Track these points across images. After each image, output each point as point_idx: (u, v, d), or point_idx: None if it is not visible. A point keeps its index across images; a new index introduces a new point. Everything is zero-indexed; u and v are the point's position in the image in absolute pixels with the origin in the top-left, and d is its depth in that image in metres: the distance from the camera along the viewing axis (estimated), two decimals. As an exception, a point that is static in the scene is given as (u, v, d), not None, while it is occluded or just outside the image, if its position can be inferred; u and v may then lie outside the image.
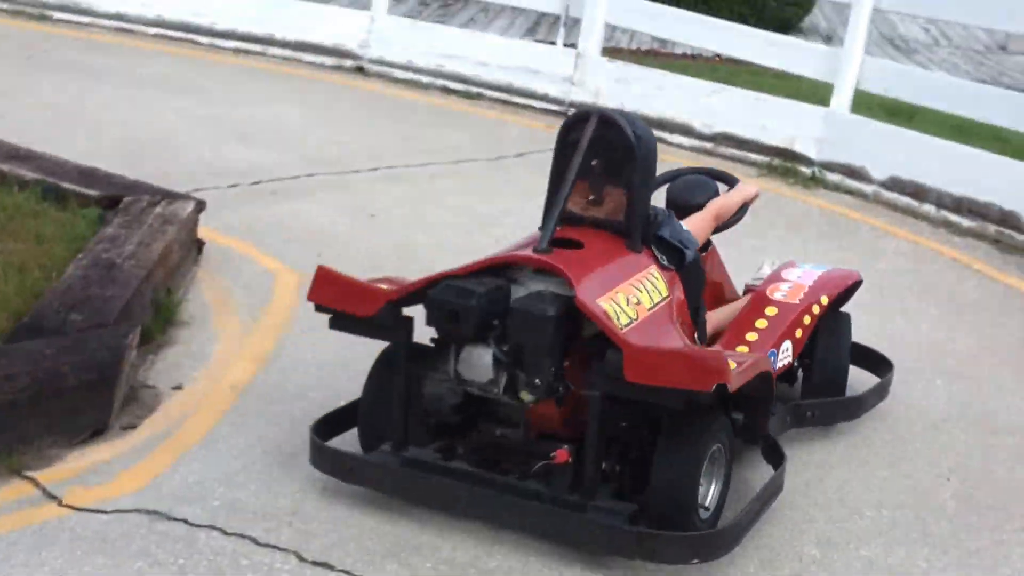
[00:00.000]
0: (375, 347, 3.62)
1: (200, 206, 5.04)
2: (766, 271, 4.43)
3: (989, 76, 12.87)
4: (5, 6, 9.51)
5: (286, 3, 9.78)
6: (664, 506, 3.26)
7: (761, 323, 4.07)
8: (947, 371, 4.77)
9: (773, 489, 3.55)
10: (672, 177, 4.46)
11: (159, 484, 3.40)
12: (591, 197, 3.68)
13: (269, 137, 7.08)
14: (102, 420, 3.58)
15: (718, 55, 10.19)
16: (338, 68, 9.18)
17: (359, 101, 8.19)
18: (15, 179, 5.05)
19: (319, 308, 3.55)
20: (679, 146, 7.99)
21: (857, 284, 4.44)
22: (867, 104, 8.09)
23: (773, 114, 7.76)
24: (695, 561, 3.21)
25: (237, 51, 9.41)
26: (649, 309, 3.53)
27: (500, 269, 3.39)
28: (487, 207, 6.26)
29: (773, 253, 5.95)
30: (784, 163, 7.60)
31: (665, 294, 3.64)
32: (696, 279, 3.89)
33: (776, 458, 3.66)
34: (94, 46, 9.05)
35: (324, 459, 3.48)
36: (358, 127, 7.52)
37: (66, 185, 4.98)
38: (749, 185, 4.52)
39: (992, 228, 6.67)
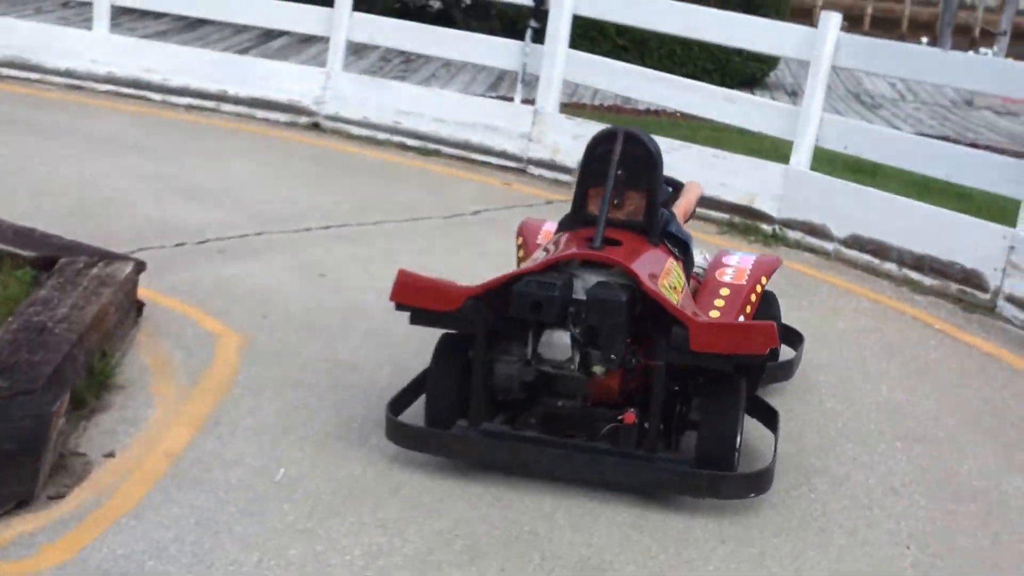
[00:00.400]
0: (318, 408, 3.62)
1: (140, 267, 4.89)
2: (701, 260, 4.89)
3: (954, 131, 12.90)
4: (-50, 64, 9.37)
5: (240, 60, 9.72)
6: (714, 451, 3.92)
7: (719, 302, 4.64)
8: (907, 434, 4.64)
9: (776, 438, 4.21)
10: None
11: (85, 557, 3.24)
12: (615, 202, 4.25)
13: (218, 195, 6.93)
14: (26, 491, 3.41)
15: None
16: (292, 125, 9.07)
17: (312, 158, 8.06)
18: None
19: (399, 307, 4.14)
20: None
21: (779, 267, 5.11)
22: (830, 160, 8.03)
23: (733, 171, 7.68)
24: (752, 495, 3.90)
25: (190, 108, 9.29)
26: (680, 292, 4.22)
27: (556, 265, 4.02)
28: (442, 265, 6.10)
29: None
30: (745, 221, 7.51)
31: (684, 280, 4.34)
32: (689, 267, 4.57)
33: (769, 414, 4.34)
34: (42, 103, 8.91)
35: (406, 435, 4.00)
36: (310, 184, 7.39)
37: (0, 246, 4.82)
38: (694, 184, 5.07)
39: (954, 287, 6.57)
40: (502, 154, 8.52)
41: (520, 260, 4.92)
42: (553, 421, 4.11)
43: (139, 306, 4.91)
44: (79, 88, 9.51)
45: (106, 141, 7.89)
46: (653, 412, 3.94)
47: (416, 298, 4.11)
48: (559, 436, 4.03)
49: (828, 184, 7.36)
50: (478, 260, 6.08)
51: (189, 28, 13.14)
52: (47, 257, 4.77)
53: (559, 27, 8.31)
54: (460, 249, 6.44)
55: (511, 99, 9.21)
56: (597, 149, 4.33)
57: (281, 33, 11.72)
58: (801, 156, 7.42)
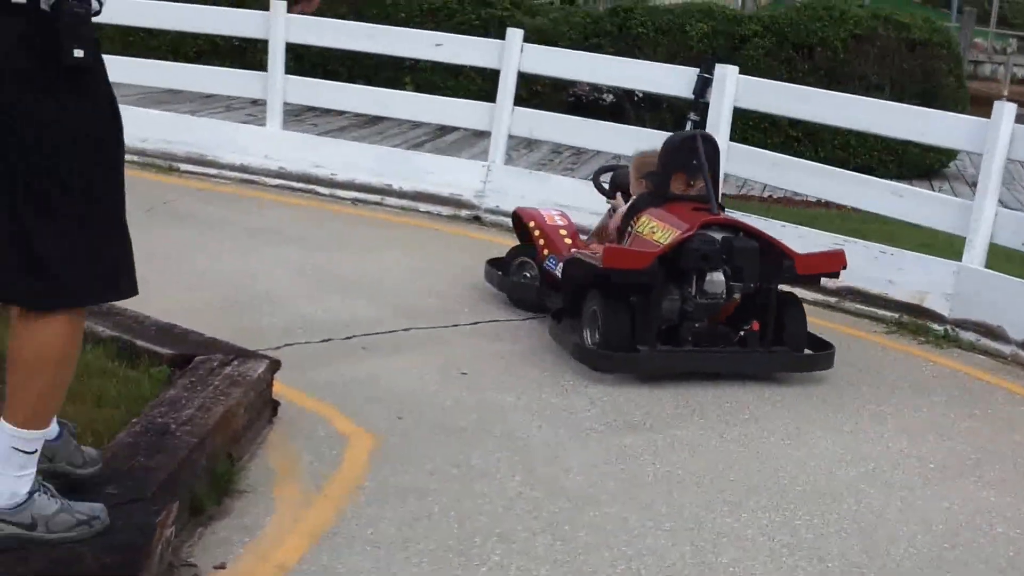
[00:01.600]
0: (442, 519, 3.42)
1: (275, 366, 4.85)
2: None
3: None
4: (136, 159, 9.65)
5: (405, 154, 9.81)
6: (799, 342, 5.95)
7: None
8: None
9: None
10: (612, 168, 7.12)
11: (185, 675, 3.15)
12: (691, 183, 6.12)
13: (370, 289, 6.92)
14: (130, 605, 3.33)
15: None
16: (454, 218, 9.08)
17: (468, 251, 8.00)
18: (91, 336, 4.93)
19: (606, 269, 5.56)
20: (802, 300, 7.61)
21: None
22: (1008, 258, 7.61)
23: (902, 268, 7.34)
24: (830, 367, 5.96)
25: (356, 201, 9.39)
26: None
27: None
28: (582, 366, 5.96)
29: (896, 420, 5.58)
30: (914, 320, 7.14)
31: None
32: None
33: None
34: (215, 197, 9.11)
35: (601, 359, 5.69)
36: (463, 278, 7.31)
37: (140, 343, 4.84)
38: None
39: None
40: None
41: (538, 239, 6.64)
42: (699, 337, 5.74)
43: (274, 405, 4.86)
44: (252, 182, 9.71)
45: (269, 234, 7.99)
46: (768, 321, 5.77)
47: (619, 262, 5.61)
48: (710, 346, 5.75)
49: (1004, 283, 6.94)
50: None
51: (369, 123, 13.38)
52: (184, 355, 4.77)
53: (719, 119, 8.13)
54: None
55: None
56: (681, 146, 6.16)
57: (456, 127, 11.83)
58: (975, 253, 7.05)
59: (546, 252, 6.56)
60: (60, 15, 2.93)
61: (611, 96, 13.95)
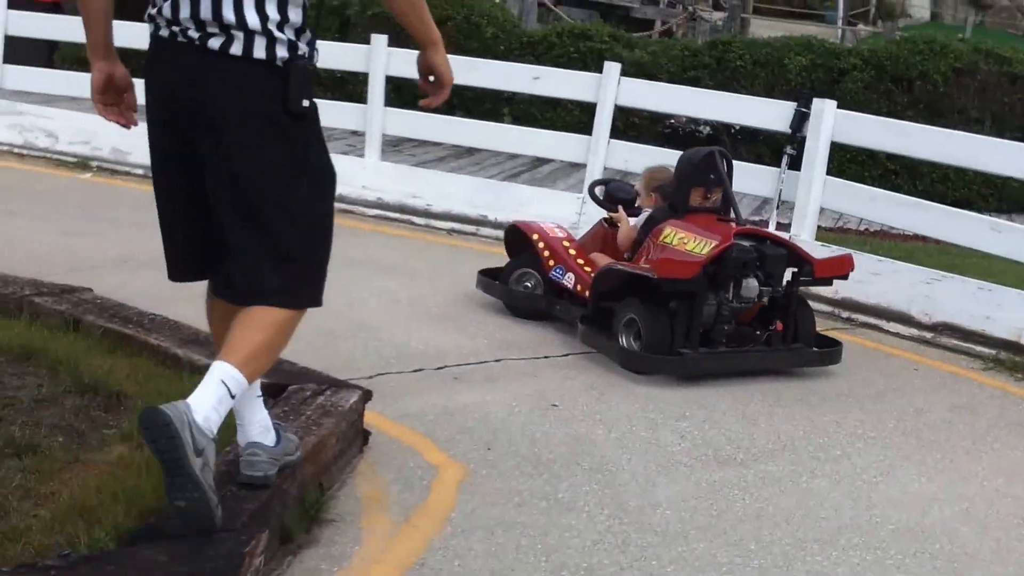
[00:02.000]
0: (529, 552, 3.48)
1: (366, 396, 4.91)
2: None
3: None
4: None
5: (499, 185, 9.93)
6: (811, 340, 6.53)
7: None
8: None
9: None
10: (605, 182, 7.48)
11: None
12: (707, 196, 6.58)
13: (464, 319, 6.99)
14: (219, 634, 3.39)
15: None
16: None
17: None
18: (189, 364, 5.05)
19: (660, 279, 6.07)
20: (897, 335, 7.56)
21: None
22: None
23: (1000, 304, 7.24)
24: (838, 363, 6.56)
25: (452, 232, 9.48)
26: None
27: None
28: (674, 402, 5.94)
29: (992, 459, 5.50)
30: (1012, 357, 7.03)
31: None
32: None
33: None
34: (313, 227, 9.21)
35: (642, 361, 6.15)
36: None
37: (236, 372, 4.92)
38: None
39: None
40: (756, 280, 8.29)
41: (542, 251, 7.04)
42: (729, 339, 6.27)
43: (365, 435, 4.92)
44: (350, 212, 9.84)
45: (365, 263, 8.09)
46: (789, 322, 6.39)
47: (672, 272, 6.09)
48: (740, 346, 6.30)
49: (1108, 321, 6.82)
50: (717, 390, 5.87)
51: (466, 153, 13.49)
52: (277, 384, 4.85)
53: (816, 154, 8.10)
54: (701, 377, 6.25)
55: (766, 223, 9.00)
56: (701, 162, 6.56)
57: (552, 159, 11.91)
58: (1076, 289, 6.93)
59: (551, 263, 6.99)
60: (292, 69, 3.46)
61: (708, 128, 13.93)
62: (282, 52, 3.47)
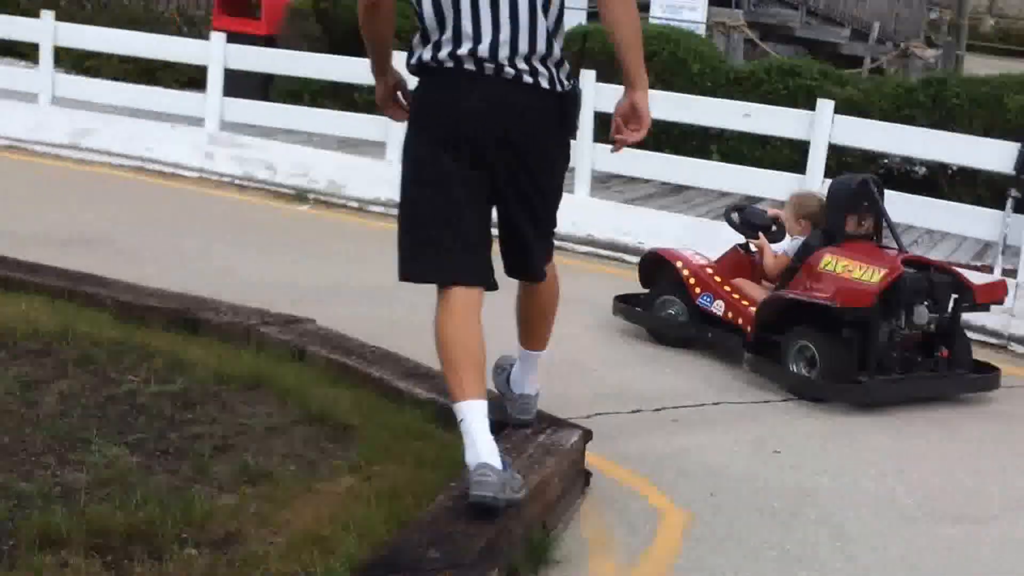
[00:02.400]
0: None
1: (587, 436, 4.84)
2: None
3: None
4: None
5: (708, 224, 9.77)
6: (970, 364, 6.60)
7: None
8: None
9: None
10: (741, 208, 7.43)
11: None
12: (861, 223, 6.65)
13: (679, 359, 6.87)
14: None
15: None
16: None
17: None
18: (409, 398, 5.07)
19: (834, 307, 6.12)
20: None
21: None
22: None
23: None
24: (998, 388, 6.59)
25: (662, 270, 9.36)
26: None
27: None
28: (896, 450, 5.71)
29: None
30: None
31: None
32: None
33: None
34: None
35: (836, 391, 6.18)
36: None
37: (457, 407, 4.91)
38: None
39: None
40: (980, 329, 7.89)
41: (687, 279, 7.09)
42: (900, 365, 6.28)
43: (586, 476, 4.86)
44: (561, 249, 9.72)
45: (577, 300, 7.98)
46: (955, 347, 6.44)
47: (847, 300, 6.13)
48: (908, 371, 6.32)
49: None
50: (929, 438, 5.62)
51: (674, 191, 13.36)
52: (498, 421, 4.80)
53: (1045, 199, 7.75)
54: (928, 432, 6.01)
55: (991, 270, 8.63)
56: (856, 190, 6.61)
57: (762, 198, 11.70)
58: None
59: (698, 290, 7.02)
60: (576, 95, 4.18)
61: (924, 169, 13.50)
62: (564, 82, 4.14)
